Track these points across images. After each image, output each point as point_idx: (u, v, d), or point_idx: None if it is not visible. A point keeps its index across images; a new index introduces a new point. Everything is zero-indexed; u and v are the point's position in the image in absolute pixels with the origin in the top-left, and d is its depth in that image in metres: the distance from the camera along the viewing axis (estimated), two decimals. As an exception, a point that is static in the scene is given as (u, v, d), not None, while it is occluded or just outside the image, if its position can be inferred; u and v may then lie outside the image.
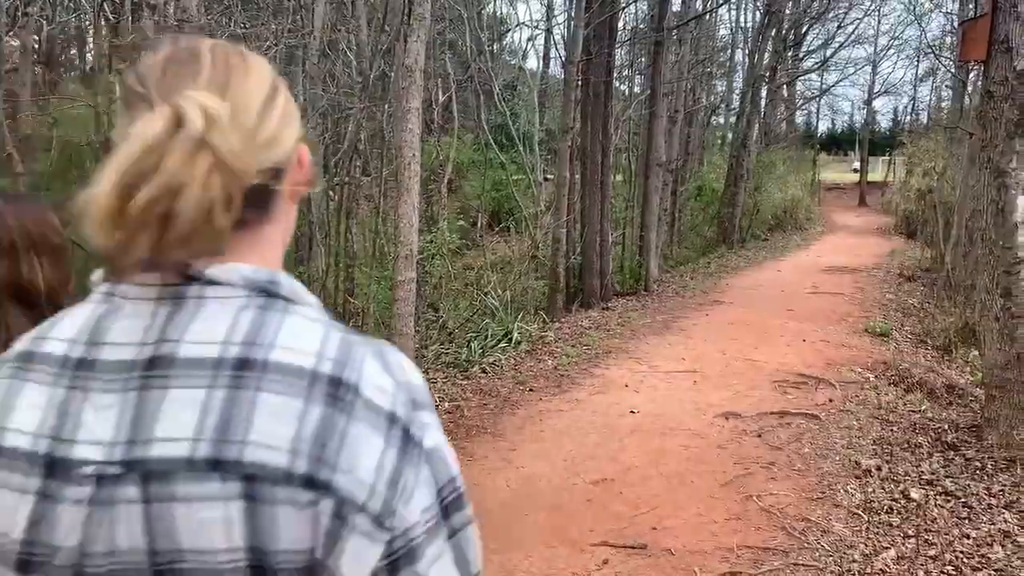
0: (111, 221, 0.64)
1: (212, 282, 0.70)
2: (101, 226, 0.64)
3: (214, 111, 0.67)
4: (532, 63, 34.11)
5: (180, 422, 0.65)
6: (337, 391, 0.68)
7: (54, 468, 0.66)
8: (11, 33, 9.93)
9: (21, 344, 0.75)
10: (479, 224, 20.33)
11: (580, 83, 13.04)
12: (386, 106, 11.12)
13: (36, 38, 15.21)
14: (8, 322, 1.24)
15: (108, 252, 0.65)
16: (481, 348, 8.00)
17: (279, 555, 0.65)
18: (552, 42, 22.97)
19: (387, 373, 0.72)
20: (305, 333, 0.71)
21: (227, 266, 0.71)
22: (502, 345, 8.28)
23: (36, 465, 0.66)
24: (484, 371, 7.38)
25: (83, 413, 0.67)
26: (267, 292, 0.72)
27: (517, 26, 24.38)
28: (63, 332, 0.73)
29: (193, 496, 0.64)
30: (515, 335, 8.49)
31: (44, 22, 14.68)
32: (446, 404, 6.30)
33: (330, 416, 0.67)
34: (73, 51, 25.25)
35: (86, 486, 0.65)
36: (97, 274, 0.75)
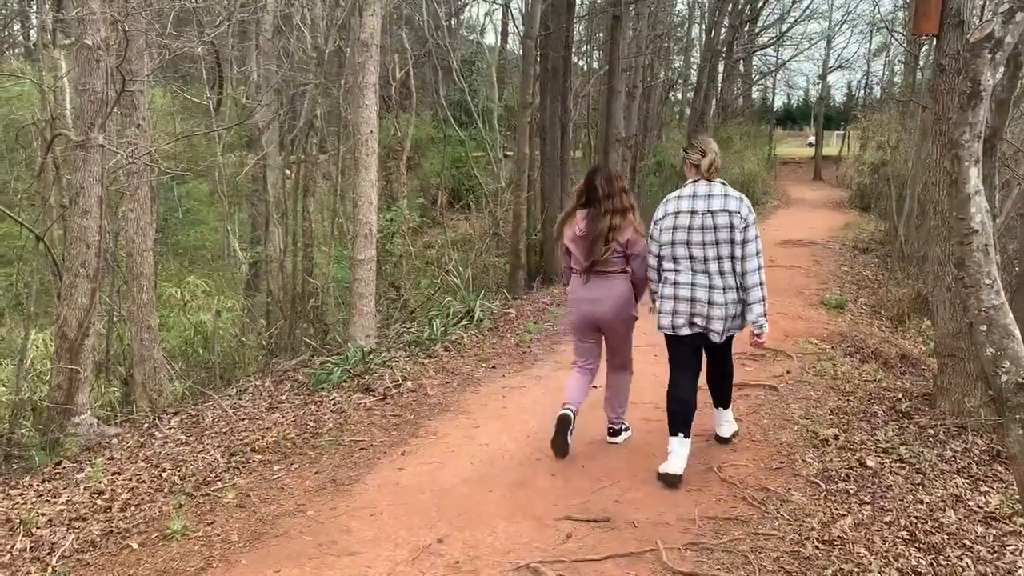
0: (686, 165, 4.31)
1: (715, 181, 4.17)
2: (689, 169, 4.27)
3: (707, 147, 4.22)
4: (490, 38, 33.86)
5: (715, 202, 4.07)
6: (741, 198, 4.10)
7: (691, 214, 4.09)
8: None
9: (676, 193, 4.24)
10: (439, 202, 20.21)
11: (538, 58, 12.96)
12: (342, 82, 10.95)
13: (-24, 13, 14.68)
14: (630, 205, 4.54)
15: (689, 171, 4.27)
16: (443, 326, 7.97)
17: (735, 226, 4.02)
18: (510, 17, 22.80)
19: (745, 198, 4.16)
20: (732, 189, 4.16)
21: (717, 179, 4.19)
22: (464, 323, 8.26)
23: (686, 213, 4.10)
24: (446, 349, 7.36)
25: (696, 205, 4.09)
26: (723, 183, 4.19)
27: (475, 0, 24.16)
28: (684, 191, 4.19)
29: (718, 214, 4.04)
30: (477, 313, 8.47)
31: (-16, -4, 14.18)
32: (408, 383, 6.27)
33: (739, 202, 4.08)
34: (16, 27, 24.45)
35: (700, 215, 4.07)
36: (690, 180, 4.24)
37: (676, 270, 4.16)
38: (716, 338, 4.14)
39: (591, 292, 4.48)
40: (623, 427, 4.87)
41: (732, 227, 4.01)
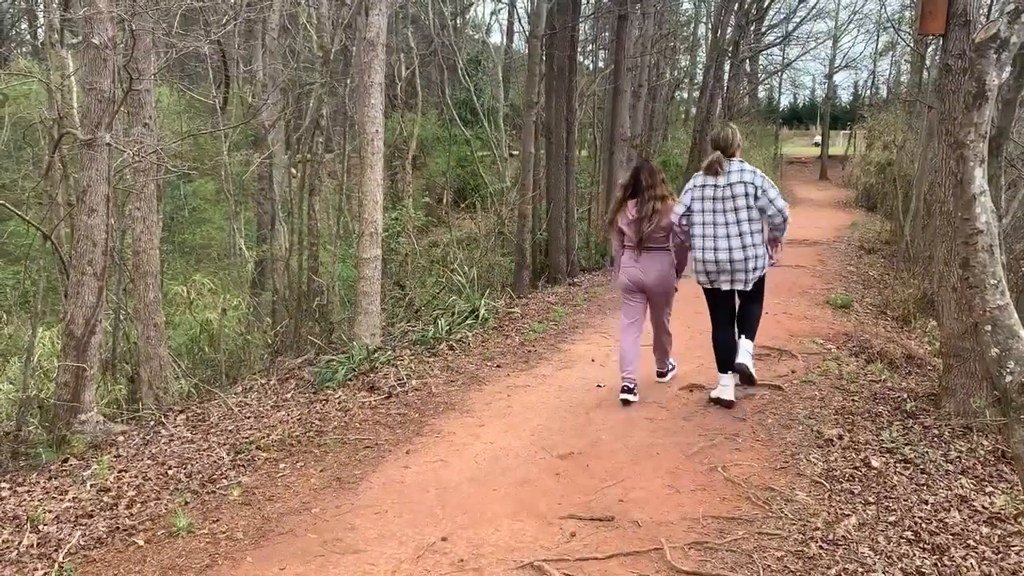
0: (711, 144, 5.30)
1: (733, 160, 5.13)
2: (714, 146, 5.24)
3: (733, 133, 5.21)
4: (496, 37, 33.84)
5: (734, 178, 5.07)
6: (755, 171, 5.10)
7: (715, 187, 5.12)
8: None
9: (701, 172, 5.25)
10: (444, 201, 20.20)
11: (544, 58, 12.95)
12: (348, 81, 10.96)
13: (-16, 12, 14.73)
14: (668, 193, 5.60)
15: (713, 148, 5.22)
16: (448, 325, 7.98)
17: (752, 193, 5.03)
18: (516, 16, 22.79)
19: (758, 170, 5.14)
20: (748, 164, 5.13)
21: (736, 158, 5.14)
22: (469, 322, 8.27)
23: (711, 186, 5.11)
24: (451, 348, 7.37)
25: (717, 180, 5.12)
26: (742, 161, 5.15)
27: None
28: (698, 181, 5.22)
29: (736, 185, 5.06)
30: (482, 312, 8.47)
31: (-8, -5, 14.22)
32: (413, 382, 6.28)
33: (754, 176, 5.07)
34: (24, 25, 24.54)
35: (721, 187, 5.13)
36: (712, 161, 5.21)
37: (704, 235, 5.17)
38: (741, 286, 5.18)
39: (641, 264, 5.55)
40: (670, 369, 6.11)
41: (747, 195, 5.05)
